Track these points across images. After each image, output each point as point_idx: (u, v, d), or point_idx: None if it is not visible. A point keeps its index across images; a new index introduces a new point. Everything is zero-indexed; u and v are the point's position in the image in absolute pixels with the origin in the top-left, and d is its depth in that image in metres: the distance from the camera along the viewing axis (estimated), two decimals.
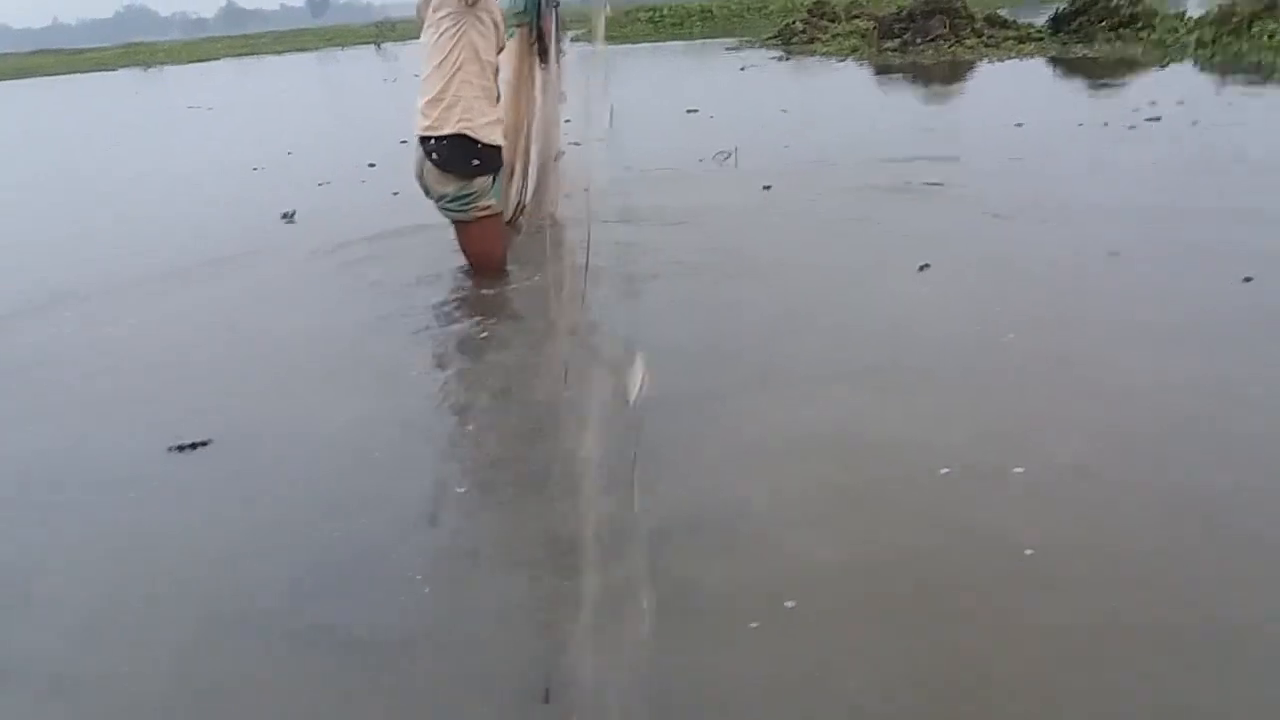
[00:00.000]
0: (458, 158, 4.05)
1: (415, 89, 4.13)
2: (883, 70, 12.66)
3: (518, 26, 4.53)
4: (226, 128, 12.94)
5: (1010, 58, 12.89)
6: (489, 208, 4.23)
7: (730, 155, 6.87)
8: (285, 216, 6.04)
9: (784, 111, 9.25)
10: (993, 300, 3.72)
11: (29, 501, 2.77)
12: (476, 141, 4.04)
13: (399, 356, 3.59)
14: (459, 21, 3.94)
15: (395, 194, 5.92)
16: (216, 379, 3.60)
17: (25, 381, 3.73)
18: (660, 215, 5.23)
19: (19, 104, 21.89)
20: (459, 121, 3.99)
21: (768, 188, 5.83)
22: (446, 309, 4.08)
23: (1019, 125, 7.36)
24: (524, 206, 4.90)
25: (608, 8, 3.19)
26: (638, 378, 2.03)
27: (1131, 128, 6.99)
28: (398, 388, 3.32)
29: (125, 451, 3.02)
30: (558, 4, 4.55)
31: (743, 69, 14.45)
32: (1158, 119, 7.16)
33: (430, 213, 4.44)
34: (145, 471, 2.85)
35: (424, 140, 4.08)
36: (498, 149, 4.18)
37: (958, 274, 4.04)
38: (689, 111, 9.48)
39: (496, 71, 4.19)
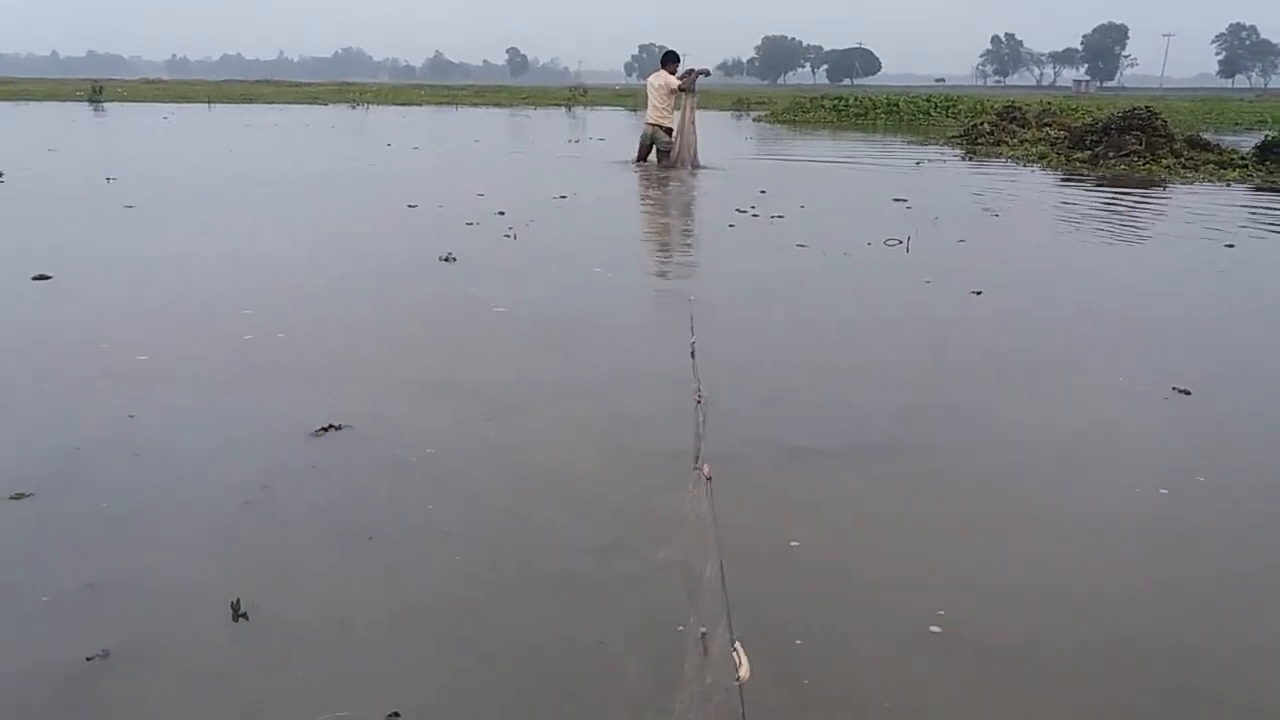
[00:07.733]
0: (661, 129, 12.75)
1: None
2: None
3: (686, 95, 12.50)
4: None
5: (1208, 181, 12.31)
6: (671, 144, 12.68)
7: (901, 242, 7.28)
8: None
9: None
10: None
11: None
12: (666, 126, 12.73)
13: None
14: (660, 90, 12.62)
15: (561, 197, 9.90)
16: None
17: None
18: None
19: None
20: (660, 117, 12.67)
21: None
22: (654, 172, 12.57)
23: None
24: (679, 154, 12.72)
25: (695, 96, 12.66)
26: None
27: None
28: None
29: None
30: (695, 80, 12.54)
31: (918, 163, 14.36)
32: None
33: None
34: None
35: (650, 124, 12.79)
36: (671, 128, 12.67)
37: None
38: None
39: (672, 108, 12.69)
